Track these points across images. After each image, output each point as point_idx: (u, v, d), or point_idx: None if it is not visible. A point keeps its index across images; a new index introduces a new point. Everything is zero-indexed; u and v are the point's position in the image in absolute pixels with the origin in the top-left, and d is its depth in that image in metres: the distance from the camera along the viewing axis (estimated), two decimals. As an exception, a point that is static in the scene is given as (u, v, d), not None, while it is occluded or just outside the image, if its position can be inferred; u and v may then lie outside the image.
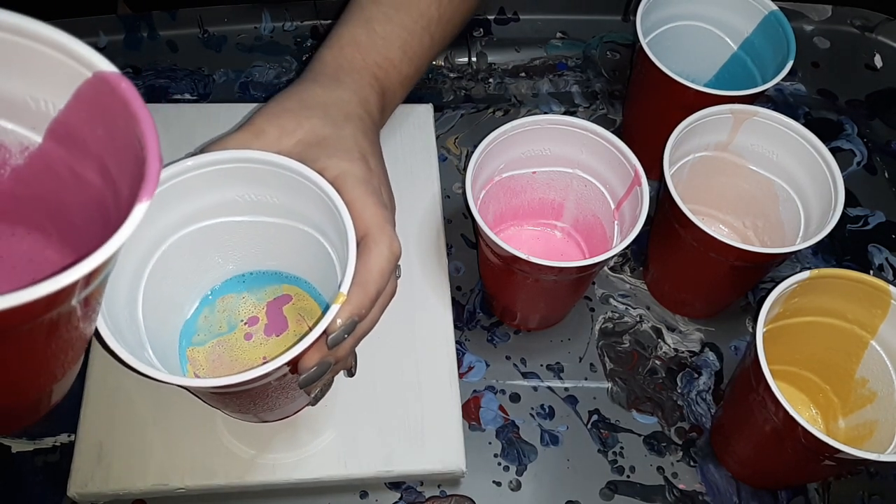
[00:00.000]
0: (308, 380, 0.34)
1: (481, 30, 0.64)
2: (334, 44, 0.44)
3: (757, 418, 0.40)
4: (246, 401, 0.37)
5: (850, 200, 0.56)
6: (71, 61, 0.26)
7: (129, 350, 0.33)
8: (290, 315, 0.43)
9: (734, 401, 0.43)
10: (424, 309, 0.47)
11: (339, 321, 0.33)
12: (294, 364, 0.34)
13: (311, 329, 0.33)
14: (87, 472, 0.41)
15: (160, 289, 0.39)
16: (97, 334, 0.32)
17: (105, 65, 0.26)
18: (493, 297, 0.49)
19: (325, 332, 0.33)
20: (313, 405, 0.40)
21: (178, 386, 0.34)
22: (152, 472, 0.42)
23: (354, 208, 0.36)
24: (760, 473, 0.45)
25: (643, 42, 0.48)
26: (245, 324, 0.43)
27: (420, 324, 0.47)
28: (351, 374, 0.41)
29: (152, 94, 0.58)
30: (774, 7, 0.51)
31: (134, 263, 0.38)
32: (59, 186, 0.29)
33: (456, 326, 0.48)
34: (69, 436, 0.45)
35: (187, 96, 0.59)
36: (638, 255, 0.53)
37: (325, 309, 0.34)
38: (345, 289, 0.33)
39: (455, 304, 0.50)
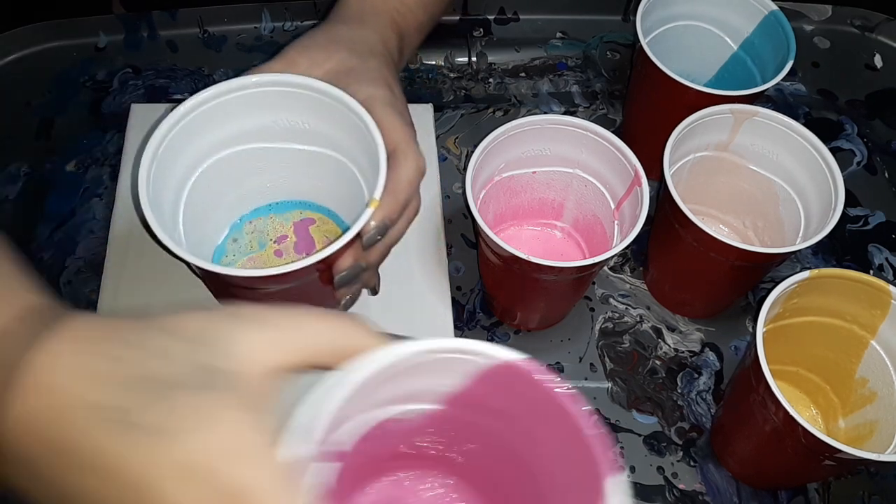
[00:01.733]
0: (343, 280, 0.37)
1: (481, 30, 0.64)
2: None
3: (757, 418, 0.40)
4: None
5: (851, 200, 0.56)
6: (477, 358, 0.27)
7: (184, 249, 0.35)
8: (317, 236, 0.45)
9: (734, 401, 0.43)
10: (424, 309, 0.47)
11: (372, 223, 0.36)
12: (328, 268, 0.36)
13: (345, 232, 0.36)
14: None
15: (196, 211, 0.41)
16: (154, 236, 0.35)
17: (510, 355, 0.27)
18: (493, 297, 0.49)
19: (359, 234, 0.36)
20: (345, 311, 0.41)
21: (220, 278, 0.35)
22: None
23: (383, 127, 0.39)
24: (760, 473, 0.45)
25: (643, 42, 0.48)
26: (274, 242, 0.45)
27: (420, 324, 0.47)
28: (375, 291, 0.43)
29: (152, 95, 0.58)
30: (774, 7, 0.51)
31: (175, 184, 0.40)
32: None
33: (456, 326, 0.48)
34: (69, 436, 0.45)
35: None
36: (638, 255, 0.53)
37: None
38: (377, 195, 0.36)
39: (455, 304, 0.50)
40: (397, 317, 0.47)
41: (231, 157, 0.42)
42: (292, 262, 0.35)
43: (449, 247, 0.51)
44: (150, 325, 0.25)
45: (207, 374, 0.23)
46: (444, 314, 0.47)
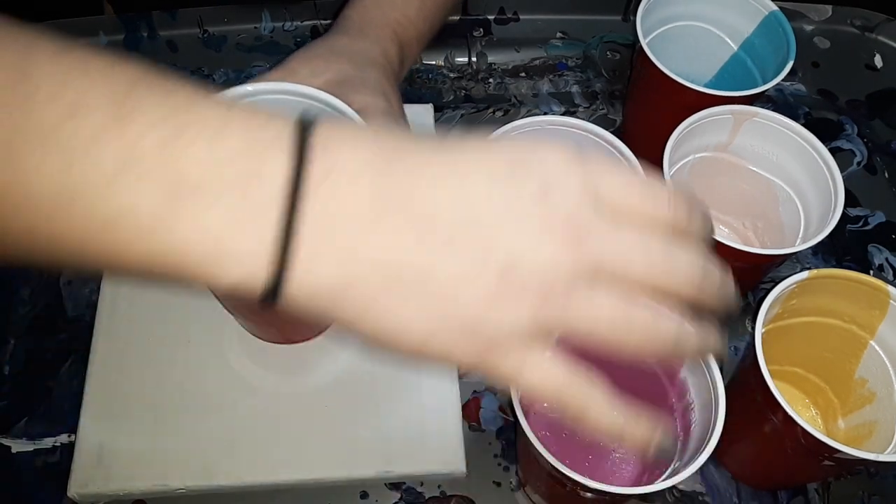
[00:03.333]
0: None
1: (481, 30, 0.64)
2: (358, 3, 0.49)
3: (756, 419, 0.40)
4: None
5: (850, 200, 0.56)
6: None
7: None
8: None
9: (733, 401, 0.43)
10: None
11: None
12: None
13: None
14: (87, 473, 0.41)
15: None
16: None
17: None
18: None
19: None
20: None
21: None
22: (152, 472, 0.42)
23: None
24: (760, 474, 0.45)
25: (643, 42, 0.48)
26: None
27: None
28: None
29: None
30: (774, 7, 0.51)
31: None
32: None
33: (456, 327, 0.48)
34: (69, 436, 0.45)
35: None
36: (638, 255, 0.53)
37: None
38: None
39: (455, 304, 0.50)
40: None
41: None
42: None
43: (449, 247, 0.51)
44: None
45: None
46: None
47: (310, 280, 0.23)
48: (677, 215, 0.27)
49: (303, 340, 0.46)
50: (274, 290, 0.23)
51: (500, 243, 0.24)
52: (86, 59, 0.23)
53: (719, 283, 0.28)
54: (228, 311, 0.44)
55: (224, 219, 0.22)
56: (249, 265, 0.23)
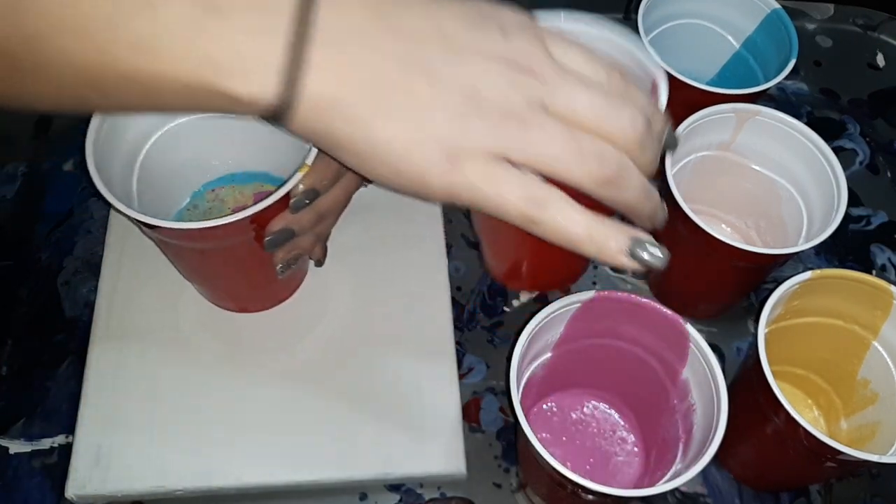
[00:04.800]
0: (271, 243, 0.38)
1: (482, 28, 0.63)
2: None
3: (759, 420, 0.40)
4: (220, 269, 0.42)
5: (853, 200, 0.56)
6: None
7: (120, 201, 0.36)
8: None
9: (736, 402, 0.43)
10: (424, 309, 0.47)
11: (300, 187, 0.37)
12: (261, 228, 0.38)
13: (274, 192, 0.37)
14: (85, 474, 0.41)
15: (152, 177, 0.42)
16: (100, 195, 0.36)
17: None
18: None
19: (287, 196, 0.37)
20: (280, 276, 0.41)
21: (158, 236, 0.38)
22: (151, 473, 0.41)
23: None
24: (762, 475, 0.44)
25: (645, 40, 0.48)
26: (232, 211, 0.45)
27: (420, 324, 0.47)
28: (319, 263, 0.44)
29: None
30: (777, 5, 0.50)
31: (129, 147, 0.41)
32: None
33: (456, 327, 0.48)
34: (67, 437, 0.45)
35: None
36: (639, 255, 0.53)
37: None
38: (309, 161, 0.37)
39: (455, 304, 0.49)
40: (397, 317, 0.47)
41: (186, 127, 0.43)
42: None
43: (449, 247, 0.51)
44: None
45: None
46: (444, 314, 0.47)
47: (318, 92, 0.27)
48: (617, 84, 0.31)
49: (256, 310, 0.47)
50: (287, 102, 0.27)
51: (468, 71, 0.28)
52: None
53: (659, 132, 0.32)
54: (188, 274, 0.45)
55: (244, 32, 0.26)
56: (264, 75, 0.26)
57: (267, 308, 0.47)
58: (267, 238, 0.38)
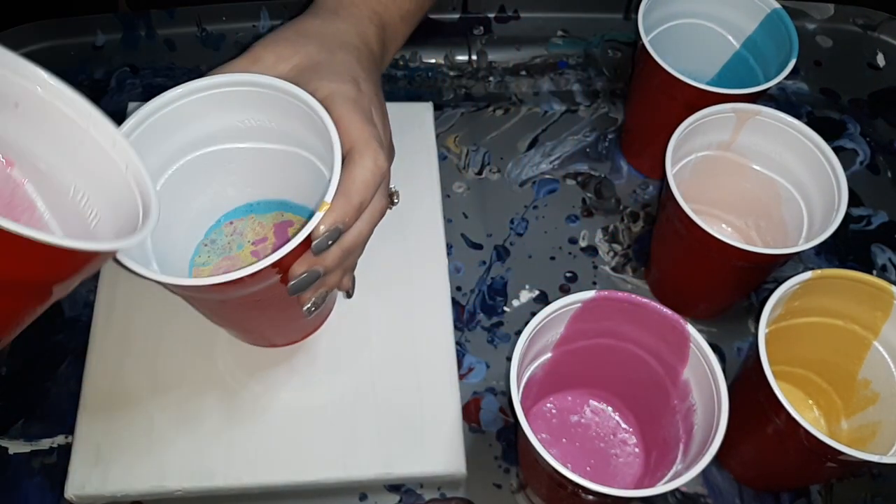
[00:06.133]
0: (296, 287, 0.36)
1: (482, 28, 0.63)
2: None
3: (759, 420, 0.40)
4: (244, 314, 0.39)
5: (853, 200, 0.56)
6: None
7: (130, 257, 0.34)
8: None
9: (736, 402, 0.43)
10: (424, 309, 0.47)
11: (322, 227, 0.35)
12: (284, 270, 0.35)
13: (295, 235, 0.35)
14: (84, 474, 0.41)
15: (167, 215, 0.40)
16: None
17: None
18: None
19: (309, 238, 0.35)
20: (308, 317, 0.39)
21: (175, 291, 0.36)
22: (150, 473, 0.41)
23: (342, 125, 0.37)
24: (763, 475, 0.44)
25: (645, 40, 0.48)
26: (252, 244, 0.44)
27: (420, 324, 0.47)
28: (349, 295, 0.42)
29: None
30: (777, 5, 0.50)
31: None
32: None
33: (456, 327, 0.48)
34: (66, 437, 0.45)
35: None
36: (640, 254, 0.53)
37: None
38: (329, 198, 0.35)
39: (455, 304, 0.49)
40: (397, 317, 0.47)
41: (200, 160, 0.41)
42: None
43: (449, 247, 0.51)
44: None
45: None
46: (444, 314, 0.47)
47: None
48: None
49: (285, 344, 0.45)
50: None
51: None
52: None
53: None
54: (212, 319, 0.43)
55: None
56: None
57: (296, 342, 0.45)
58: (291, 283, 0.36)
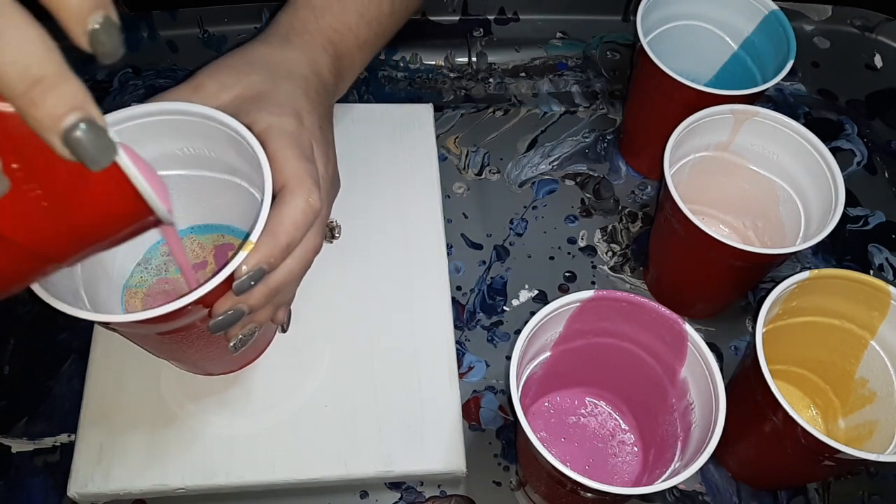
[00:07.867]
0: (218, 325, 0.34)
1: (481, 30, 0.64)
2: (290, 6, 0.44)
3: (757, 419, 0.40)
4: (171, 346, 0.38)
5: (851, 200, 0.56)
6: None
7: (53, 293, 0.33)
8: None
9: (734, 401, 0.43)
10: (424, 309, 0.47)
11: (244, 268, 0.33)
12: (210, 307, 0.34)
13: (216, 273, 0.33)
14: (87, 473, 0.41)
15: None
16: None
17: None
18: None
19: (231, 278, 0.33)
20: (234, 353, 0.38)
21: (101, 325, 0.34)
22: (152, 472, 0.42)
23: (276, 160, 0.36)
24: (760, 474, 0.45)
25: (643, 42, 0.48)
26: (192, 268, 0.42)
27: (420, 324, 0.47)
28: (283, 329, 0.41)
29: (152, 95, 0.58)
30: (775, 7, 0.51)
31: None
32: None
33: (456, 326, 0.48)
34: (69, 436, 0.45)
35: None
36: (638, 255, 0.53)
37: None
38: (254, 237, 0.34)
39: (455, 304, 0.50)
40: (397, 317, 0.47)
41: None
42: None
43: (449, 247, 0.51)
44: None
45: None
46: (444, 314, 0.47)
47: None
48: None
49: (222, 373, 0.44)
50: None
51: None
52: None
53: None
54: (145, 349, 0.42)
55: None
56: None
57: (233, 371, 0.44)
58: (212, 322, 0.34)
